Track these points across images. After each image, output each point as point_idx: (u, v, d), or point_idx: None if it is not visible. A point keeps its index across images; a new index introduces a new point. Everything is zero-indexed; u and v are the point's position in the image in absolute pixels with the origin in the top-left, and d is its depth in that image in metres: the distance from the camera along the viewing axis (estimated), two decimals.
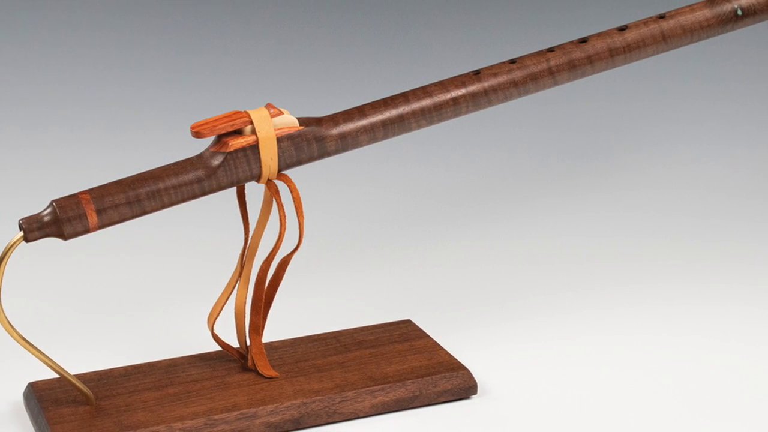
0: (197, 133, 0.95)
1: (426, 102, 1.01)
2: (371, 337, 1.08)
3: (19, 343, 0.94)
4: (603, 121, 1.65)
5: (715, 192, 1.44)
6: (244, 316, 1.03)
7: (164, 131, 1.59)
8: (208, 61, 1.82)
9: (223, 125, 0.96)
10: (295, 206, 0.99)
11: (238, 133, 0.97)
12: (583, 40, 1.04)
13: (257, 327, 1.02)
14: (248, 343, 1.03)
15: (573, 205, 1.41)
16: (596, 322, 1.16)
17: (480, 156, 1.55)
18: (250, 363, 1.03)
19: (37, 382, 1.01)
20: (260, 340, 1.02)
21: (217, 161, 0.96)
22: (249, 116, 0.97)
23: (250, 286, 1.05)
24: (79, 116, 1.63)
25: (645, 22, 1.04)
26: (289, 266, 1.17)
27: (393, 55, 1.85)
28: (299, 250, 1.01)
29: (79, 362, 1.07)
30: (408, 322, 1.11)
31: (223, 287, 1.14)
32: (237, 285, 1.02)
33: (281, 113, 0.98)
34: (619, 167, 1.52)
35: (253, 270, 1.04)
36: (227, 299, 1.03)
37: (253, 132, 0.97)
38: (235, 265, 1.17)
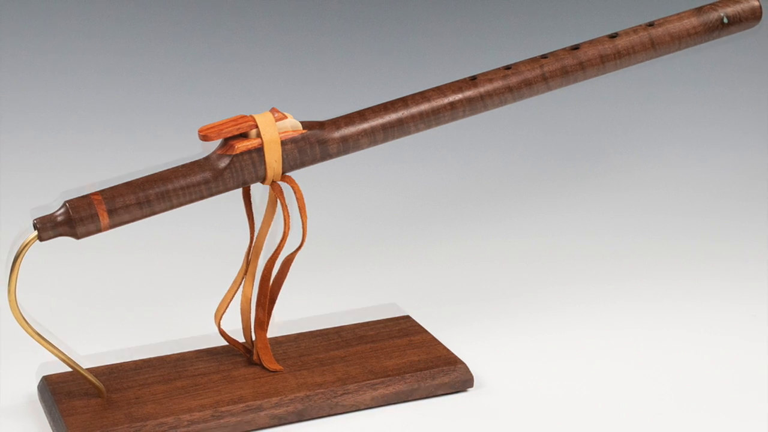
0: (204, 137, 0.95)
1: (424, 106, 1.01)
2: (372, 333, 1.08)
3: (33, 338, 0.94)
4: (594, 124, 1.65)
5: (701, 192, 1.44)
6: (250, 312, 1.03)
7: (172, 133, 1.59)
8: (215, 67, 1.82)
9: (230, 129, 0.96)
10: (299, 206, 0.99)
11: (244, 136, 0.97)
12: (576, 47, 1.04)
13: (262, 323, 1.02)
14: (254, 338, 1.03)
15: (565, 205, 1.41)
16: (588, 317, 1.16)
17: (476, 158, 1.55)
18: (255, 357, 1.03)
19: (50, 375, 1.01)
20: (265, 335, 1.02)
21: (223, 163, 0.96)
22: (254, 120, 0.97)
23: (255, 283, 1.05)
24: (91, 120, 1.63)
25: (635, 30, 1.04)
26: (293, 264, 1.17)
27: (393, 62, 1.85)
28: (302, 248, 1.01)
29: (91, 357, 1.07)
30: (407, 318, 1.11)
31: (229, 284, 1.14)
32: (243, 282, 1.02)
33: (285, 117, 0.98)
34: (609, 169, 1.52)
35: (258, 268, 1.04)
36: (233, 296, 1.03)
37: (258, 135, 0.97)
38: (241, 263, 1.17)
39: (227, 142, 0.97)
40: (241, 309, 1.03)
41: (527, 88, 1.02)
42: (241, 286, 1.03)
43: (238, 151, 0.96)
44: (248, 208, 1.01)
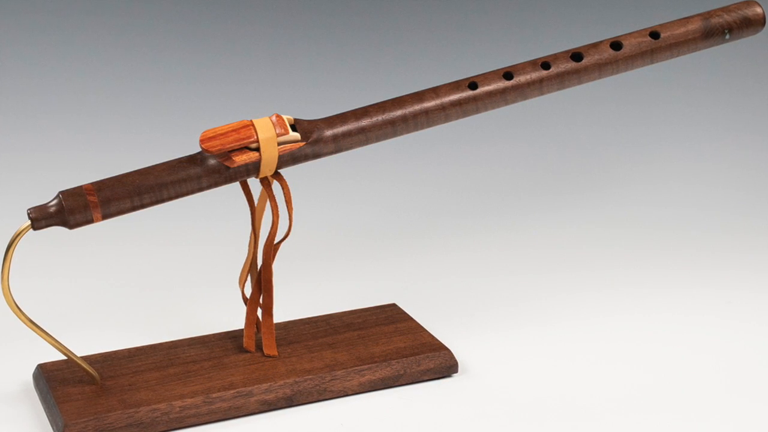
0: (206, 150, 0.95)
1: (419, 107, 1.00)
2: (359, 320, 1.09)
3: (27, 326, 0.95)
4: (589, 124, 1.66)
5: (691, 186, 1.44)
6: (254, 301, 1.03)
7: (173, 133, 1.58)
8: (213, 66, 1.81)
9: (232, 144, 0.95)
10: (286, 201, 1.00)
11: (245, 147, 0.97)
12: (578, 56, 1.02)
13: (268, 308, 1.02)
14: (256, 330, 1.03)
15: (550, 199, 1.41)
16: (570, 306, 1.16)
17: (467, 153, 1.55)
18: (245, 344, 1.03)
19: (45, 363, 1.01)
20: (272, 321, 1.02)
21: (219, 166, 0.96)
22: (254, 129, 0.96)
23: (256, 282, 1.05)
24: (91, 120, 1.62)
25: (639, 33, 1.03)
26: (286, 256, 1.18)
27: (390, 63, 1.84)
28: (290, 238, 1.01)
29: (85, 344, 1.07)
30: (393, 306, 1.12)
31: (225, 273, 1.15)
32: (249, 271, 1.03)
33: (287, 132, 0.97)
34: (597, 164, 1.52)
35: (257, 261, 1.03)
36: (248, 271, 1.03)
37: (258, 149, 0.96)
38: (234, 253, 1.17)
39: (227, 153, 0.96)
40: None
41: (525, 91, 1.01)
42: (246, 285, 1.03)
43: (236, 165, 0.96)
44: (249, 200, 1.01)
